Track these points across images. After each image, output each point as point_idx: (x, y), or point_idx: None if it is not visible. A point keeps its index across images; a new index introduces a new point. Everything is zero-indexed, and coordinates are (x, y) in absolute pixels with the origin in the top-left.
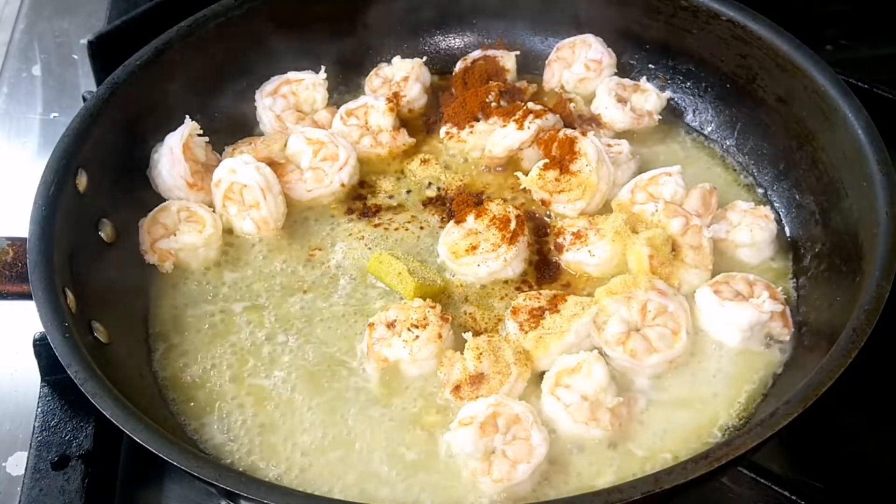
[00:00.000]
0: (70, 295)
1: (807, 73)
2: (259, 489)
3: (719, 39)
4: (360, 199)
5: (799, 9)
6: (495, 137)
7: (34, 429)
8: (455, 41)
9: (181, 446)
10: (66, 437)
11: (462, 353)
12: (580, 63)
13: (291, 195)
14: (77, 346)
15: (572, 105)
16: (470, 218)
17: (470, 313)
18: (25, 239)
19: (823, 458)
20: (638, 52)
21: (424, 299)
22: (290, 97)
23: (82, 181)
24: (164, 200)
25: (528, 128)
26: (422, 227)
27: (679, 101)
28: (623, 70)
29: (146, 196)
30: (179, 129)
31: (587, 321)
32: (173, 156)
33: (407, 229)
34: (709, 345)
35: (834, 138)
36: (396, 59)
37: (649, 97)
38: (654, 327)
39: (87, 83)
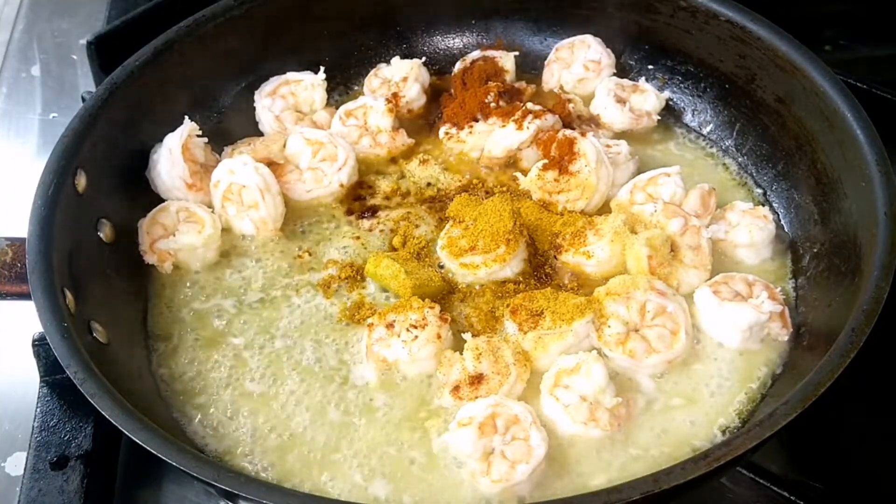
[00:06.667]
0: (69, 295)
1: (806, 74)
2: (258, 489)
3: (718, 40)
4: (358, 199)
5: (798, 9)
6: (494, 138)
7: (33, 429)
8: (454, 41)
9: (180, 446)
10: (66, 438)
11: (461, 354)
12: (579, 63)
13: (290, 195)
14: (76, 347)
15: (571, 105)
16: (469, 218)
17: (468, 314)
18: (25, 239)
19: (823, 458)
20: (637, 52)
21: (423, 300)
22: (289, 98)
23: (82, 181)
24: (163, 201)
25: (527, 128)
26: (420, 227)
27: (678, 102)
28: (622, 70)
29: (145, 196)
30: (178, 130)
31: (586, 322)
32: (172, 156)
33: (406, 229)
34: (708, 345)
35: (833, 139)
36: (395, 60)
37: (648, 97)
38: (654, 328)
39: (86, 83)
